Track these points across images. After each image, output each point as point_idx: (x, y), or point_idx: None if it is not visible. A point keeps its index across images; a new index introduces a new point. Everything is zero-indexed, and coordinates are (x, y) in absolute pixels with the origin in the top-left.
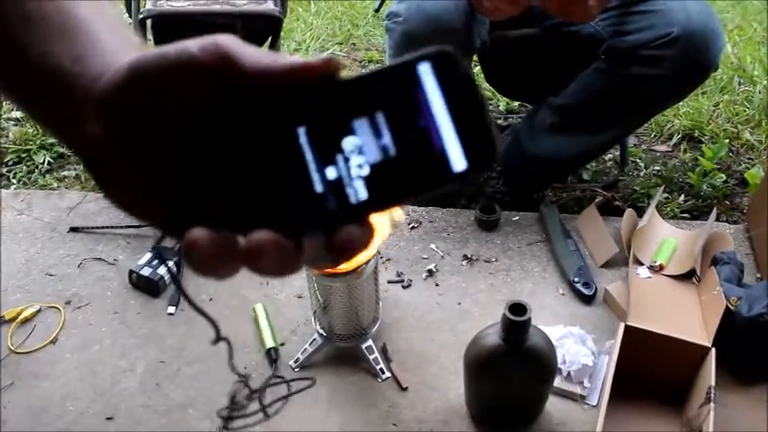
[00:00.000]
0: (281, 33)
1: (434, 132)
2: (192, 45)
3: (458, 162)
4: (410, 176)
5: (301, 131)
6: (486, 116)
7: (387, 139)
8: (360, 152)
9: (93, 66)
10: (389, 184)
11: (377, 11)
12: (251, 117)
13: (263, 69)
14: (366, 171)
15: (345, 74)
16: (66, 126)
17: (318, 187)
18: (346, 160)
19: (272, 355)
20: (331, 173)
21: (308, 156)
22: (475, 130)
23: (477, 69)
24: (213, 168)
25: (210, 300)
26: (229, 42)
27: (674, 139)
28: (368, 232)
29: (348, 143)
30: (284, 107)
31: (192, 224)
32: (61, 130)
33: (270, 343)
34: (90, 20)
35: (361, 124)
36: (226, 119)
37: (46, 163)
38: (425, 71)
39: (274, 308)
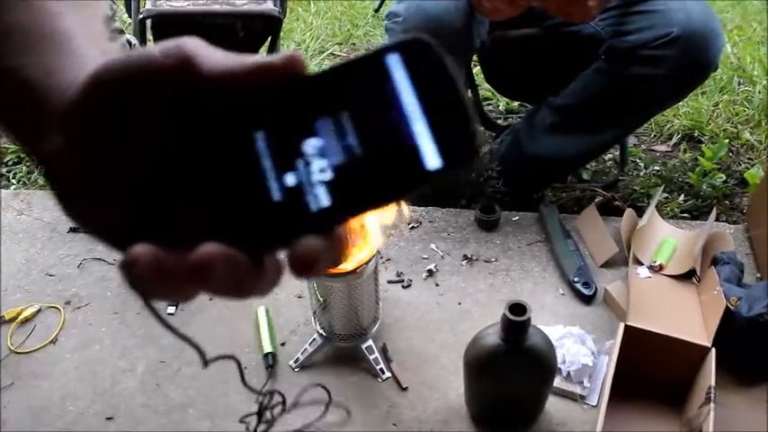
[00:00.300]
0: (281, 33)
1: (404, 129)
2: (155, 49)
3: (432, 160)
4: (378, 179)
5: (260, 136)
6: (463, 109)
7: (351, 139)
8: (322, 155)
9: (67, 77)
10: (355, 189)
11: (377, 11)
12: (208, 122)
13: (225, 72)
14: (329, 175)
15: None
16: (32, 138)
17: (276, 195)
18: (307, 164)
19: (269, 361)
20: (290, 179)
21: (266, 162)
22: (451, 124)
23: (477, 69)
24: (166, 179)
25: (210, 300)
26: (192, 45)
27: (674, 139)
28: (334, 244)
29: (309, 146)
30: (242, 111)
31: (139, 239)
32: (28, 141)
33: (267, 348)
34: (70, 31)
35: (323, 124)
36: (183, 125)
37: None
38: (395, 62)
39: (274, 308)
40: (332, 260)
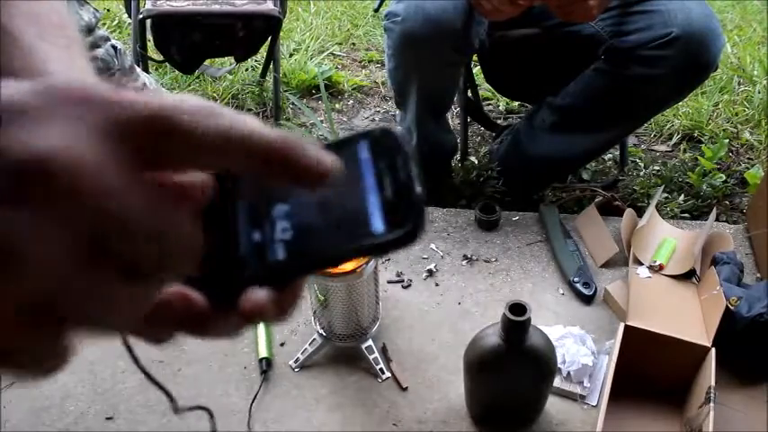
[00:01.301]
0: (281, 33)
1: (358, 201)
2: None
3: (380, 230)
4: (329, 243)
5: (241, 201)
6: (413, 188)
7: (313, 206)
8: (287, 217)
9: (18, 75)
10: (308, 249)
11: (376, 11)
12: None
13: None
14: (289, 235)
15: (343, 76)
16: None
17: (240, 250)
18: (272, 225)
19: (263, 366)
20: (256, 236)
21: (240, 221)
22: (402, 200)
23: (477, 69)
24: None
25: None
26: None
27: (674, 139)
28: (284, 298)
29: (278, 209)
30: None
31: None
32: None
33: (263, 353)
34: (20, 31)
35: (294, 193)
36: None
37: None
38: (362, 146)
39: None
40: (280, 313)
